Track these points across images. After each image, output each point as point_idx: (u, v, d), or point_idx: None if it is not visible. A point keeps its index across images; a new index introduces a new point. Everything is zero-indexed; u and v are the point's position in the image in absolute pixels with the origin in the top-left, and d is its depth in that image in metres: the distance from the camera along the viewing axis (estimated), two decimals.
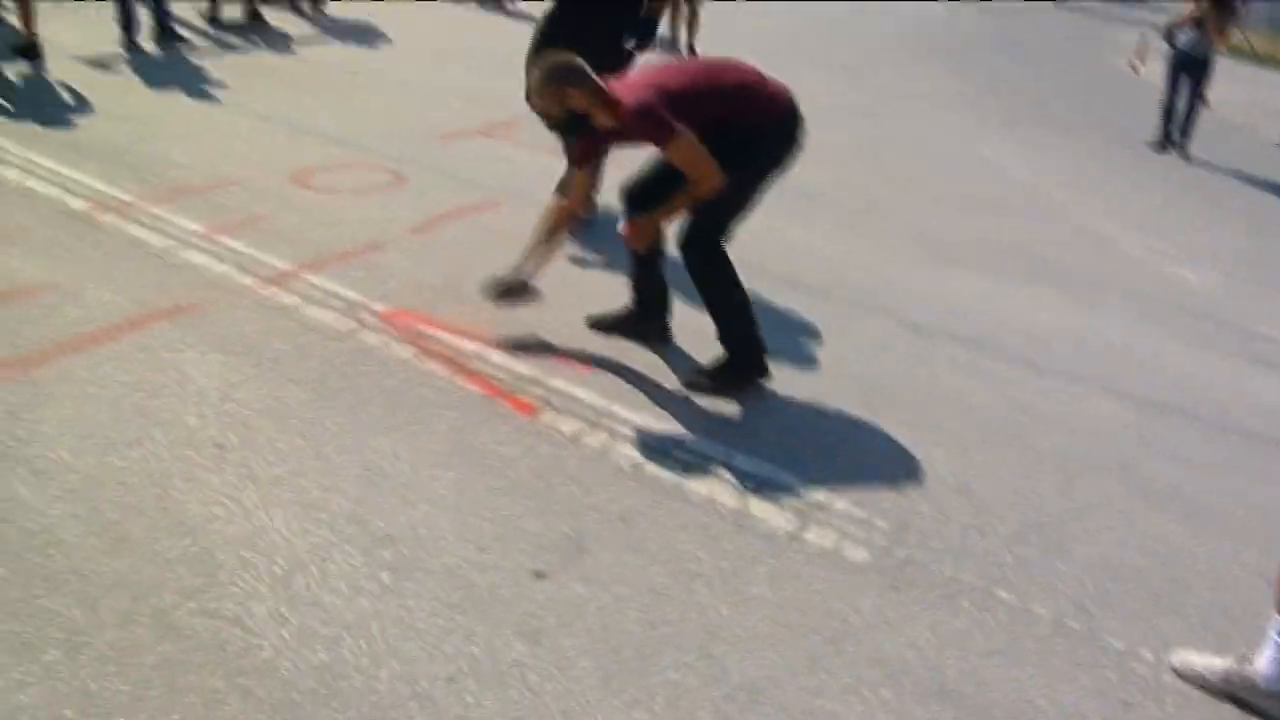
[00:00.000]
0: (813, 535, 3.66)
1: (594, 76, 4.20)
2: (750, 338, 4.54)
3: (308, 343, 4.36)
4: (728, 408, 4.41)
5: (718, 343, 4.53)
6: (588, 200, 4.47)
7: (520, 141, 7.47)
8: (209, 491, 3.37)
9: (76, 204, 5.36)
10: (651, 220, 4.41)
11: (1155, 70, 13.91)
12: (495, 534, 3.39)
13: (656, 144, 4.16)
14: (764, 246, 5.90)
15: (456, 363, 4.39)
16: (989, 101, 13.06)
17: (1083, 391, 5.11)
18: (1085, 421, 4.82)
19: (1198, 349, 6.00)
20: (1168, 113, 11.69)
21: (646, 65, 4.69)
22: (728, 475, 3.92)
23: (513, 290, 4.68)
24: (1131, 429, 4.84)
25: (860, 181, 8.09)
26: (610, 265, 5.21)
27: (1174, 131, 11.69)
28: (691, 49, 12.41)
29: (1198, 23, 11.32)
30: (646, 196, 4.47)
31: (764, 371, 4.59)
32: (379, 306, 4.76)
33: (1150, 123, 11.97)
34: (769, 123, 4.34)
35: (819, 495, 3.89)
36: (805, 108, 4.39)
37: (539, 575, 3.24)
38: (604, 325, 4.85)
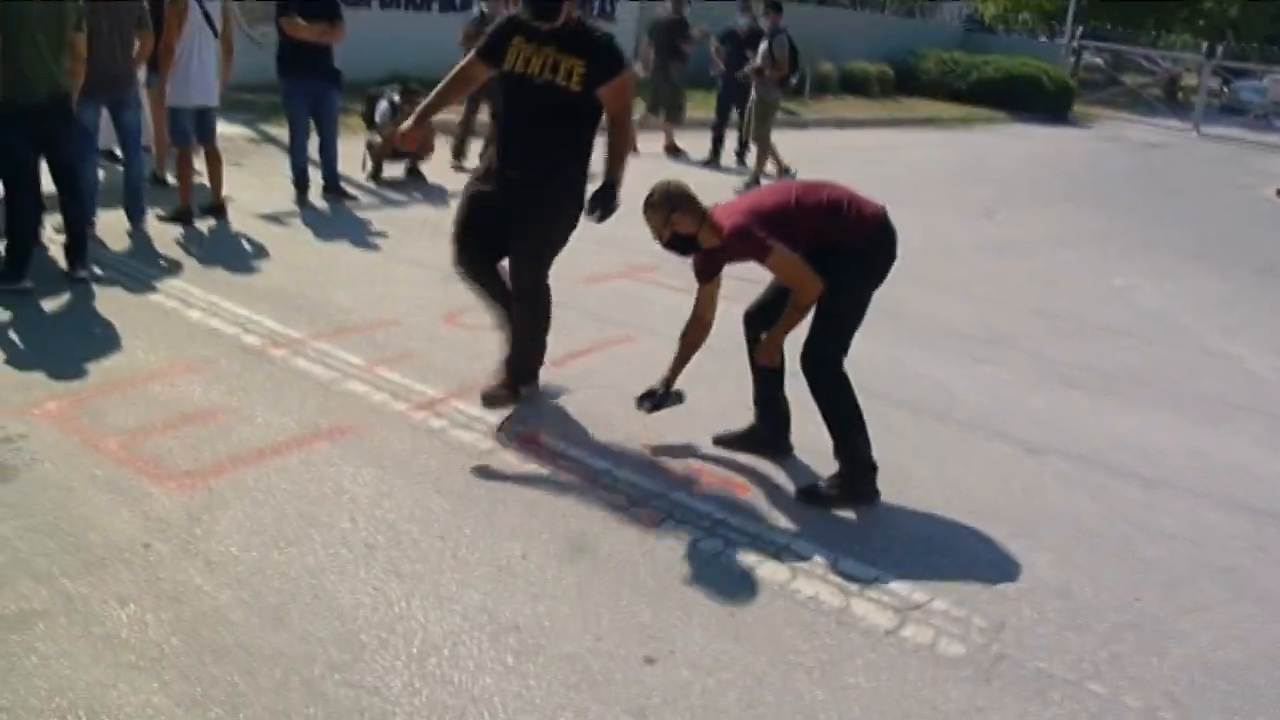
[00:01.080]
0: (910, 631, 3.90)
1: (699, 201, 4.70)
2: (863, 457, 4.82)
3: (453, 459, 4.80)
4: (838, 517, 4.68)
5: (834, 458, 4.84)
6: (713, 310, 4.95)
7: (659, 283, 7.93)
8: (358, 583, 3.79)
9: (252, 340, 5.96)
10: (773, 338, 4.83)
11: None
12: (612, 625, 3.72)
13: (756, 260, 4.61)
14: (888, 375, 6.20)
15: (588, 478, 4.77)
16: (1123, 234, 13.10)
17: (1195, 505, 5.22)
18: (1196, 532, 4.94)
19: None
20: None
21: (750, 190, 5.14)
22: (833, 577, 4.19)
23: (665, 400, 5.14)
24: (1245, 538, 4.94)
25: (987, 315, 8.31)
26: (727, 388, 5.54)
27: None
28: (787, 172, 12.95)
29: None
30: (765, 317, 4.89)
31: (874, 491, 4.85)
32: (519, 429, 5.18)
33: None
34: (861, 239, 4.70)
35: (919, 596, 4.12)
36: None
37: (649, 661, 3.55)
38: (729, 441, 5.20)
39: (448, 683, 3.33)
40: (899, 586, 4.18)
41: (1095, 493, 5.25)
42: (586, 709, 3.28)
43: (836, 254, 4.63)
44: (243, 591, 3.68)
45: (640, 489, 4.75)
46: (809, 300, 4.63)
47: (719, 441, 5.20)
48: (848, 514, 4.71)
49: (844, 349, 4.76)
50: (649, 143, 14.92)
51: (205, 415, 4.97)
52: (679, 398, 5.17)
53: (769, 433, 5.17)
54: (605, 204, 5.17)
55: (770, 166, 13.33)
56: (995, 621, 4.01)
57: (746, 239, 4.58)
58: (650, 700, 3.36)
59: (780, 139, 13.60)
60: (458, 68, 5.44)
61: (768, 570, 4.19)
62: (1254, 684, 3.82)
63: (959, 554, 4.51)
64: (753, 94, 13.22)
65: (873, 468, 4.83)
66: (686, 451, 5.16)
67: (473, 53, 5.35)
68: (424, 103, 5.61)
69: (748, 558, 4.27)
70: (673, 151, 14.76)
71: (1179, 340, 8.37)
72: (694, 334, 5.02)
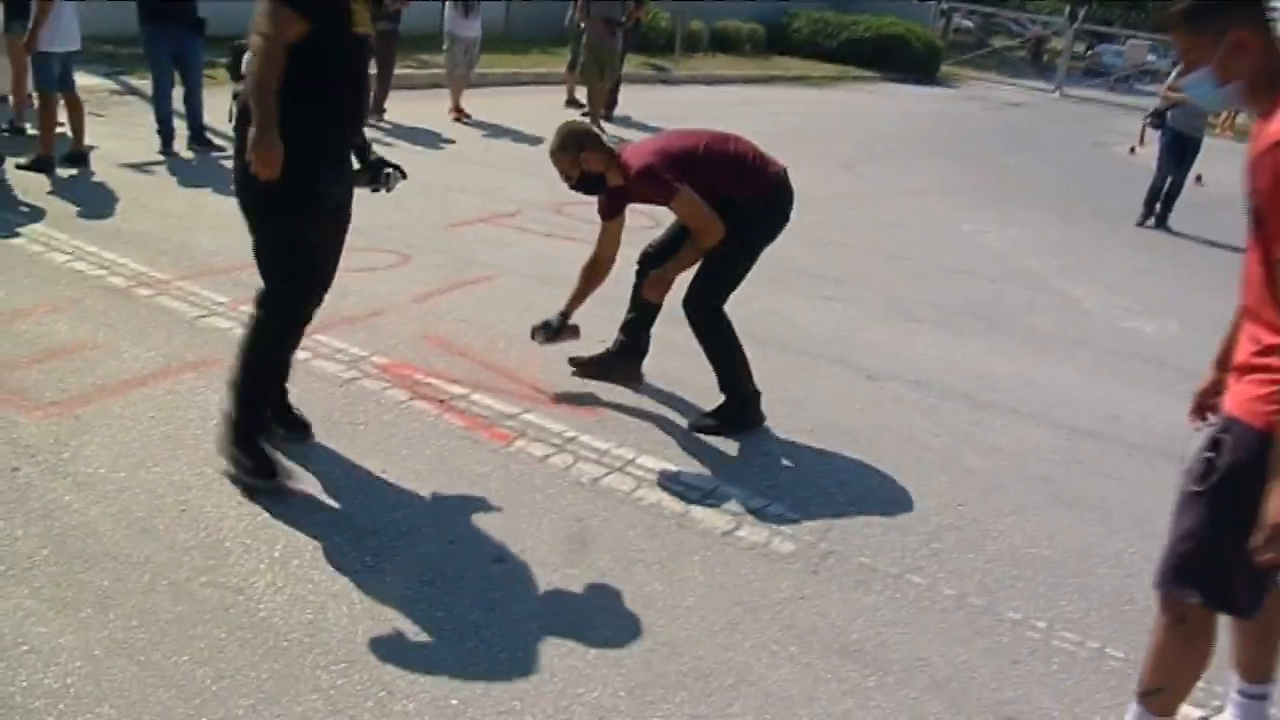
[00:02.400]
0: (745, 532, 4.21)
1: (605, 140, 4.89)
2: (747, 386, 5.11)
3: (314, 387, 4.97)
4: (682, 436, 4.98)
5: (720, 391, 5.12)
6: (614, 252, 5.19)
7: (519, 228, 8.17)
8: (223, 497, 3.98)
9: (117, 281, 6.04)
10: (665, 274, 5.00)
11: (1150, 153, 14.43)
12: (464, 530, 3.97)
13: (661, 201, 4.81)
14: (734, 310, 6.47)
15: (444, 403, 4.99)
16: (979, 187, 13.61)
17: (1019, 423, 5.63)
18: (1018, 446, 5.34)
19: (1143, 388, 6.49)
20: (1155, 188, 12.16)
21: (659, 133, 5.31)
22: (676, 486, 4.49)
23: (560, 332, 5.33)
24: (1062, 453, 5.35)
25: (840, 257, 8.68)
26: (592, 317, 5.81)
27: (1158, 205, 12.20)
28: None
29: (1182, 103, 11.80)
30: (662, 255, 5.11)
31: (760, 416, 5.15)
32: (379, 359, 5.37)
33: (1135, 200, 12.45)
34: (763, 195, 4.94)
35: (756, 502, 4.43)
36: (798, 196, 5.03)
37: (498, 560, 3.81)
38: (585, 366, 5.44)
39: (308, 581, 3.55)
40: (737, 494, 4.49)
41: (928, 413, 5.63)
42: (439, 601, 3.53)
43: (736, 204, 4.83)
44: (111, 507, 3.84)
45: (494, 410, 4.99)
46: (709, 243, 4.81)
47: (576, 364, 5.44)
48: (692, 435, 5.00)
49: (727, 295, 5.02)
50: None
51: (71, 350, 5.07)
52: (575, 331, 5.37)
53: (625, 362, 5.43)
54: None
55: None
56: (826, 524, 4.34)
57: (653, 179, 4.73)
58: (499, 593, 3.61)
59: (649, 94, 13.86)
60: (273, 39, 3.68)
61: (613, 481, 4.47)
62: (1059, 575, 4.21)
63: (796, 466, 4.83)
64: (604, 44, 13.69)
65: (757, 394, 5.13)
66: (543, 378, 5.41)
67: (287, 9, 3.69)
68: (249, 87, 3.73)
69: (594, 470, 4.55)
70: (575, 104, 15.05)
71: (1020, 280, 8.83)
72: (594, 271, 5.24)
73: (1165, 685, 3.05)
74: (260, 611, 3.37)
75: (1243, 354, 2.78)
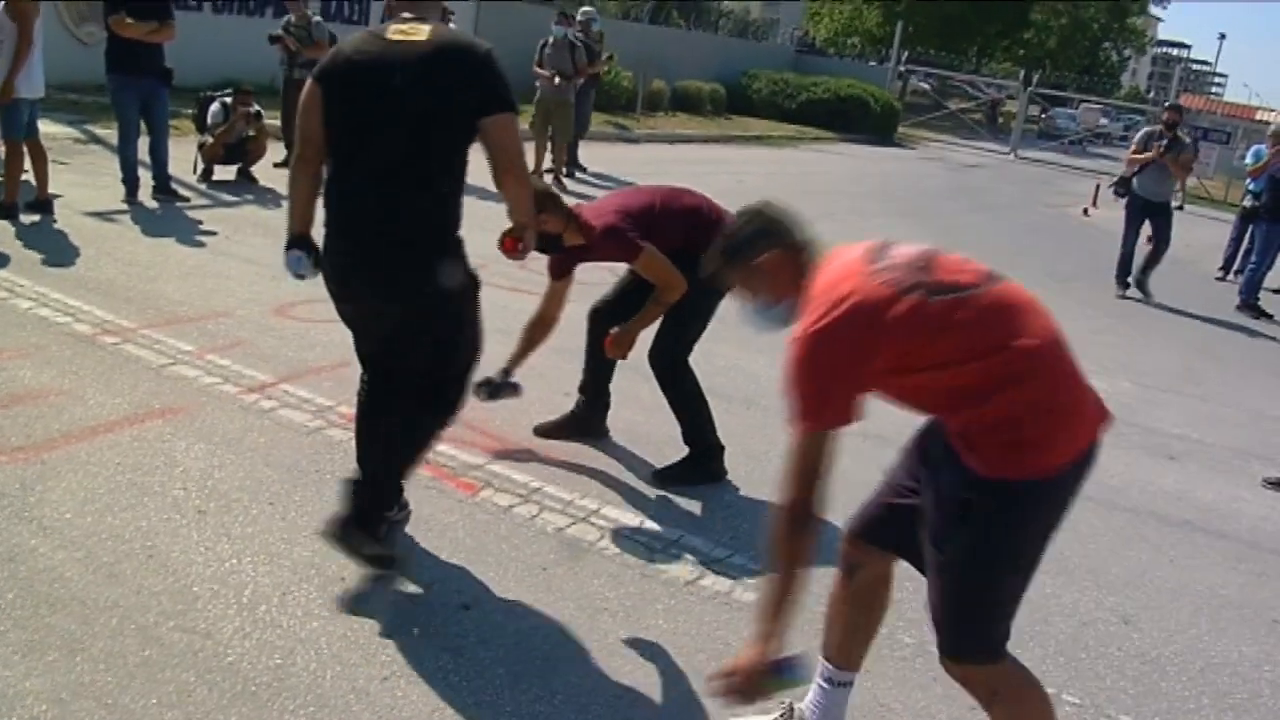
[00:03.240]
0: (708, 582, 4.27)
1: (563, 201, 4.91)
2: (710, 439, 5.20)
3: (282, 437, 5.01)
4: (645, 487, 5.05)
5: (684, 444, 5.22)
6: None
7: (482, 282, 8.23)
8: (190, 544, 4.00)
9: (82, 328, 6.06)
10: (629, 331, 5.02)
11: (1104, 214, 14.70)
12: (432, 577, 4.01)
13: (625, 259, 4.86)
14: (698, 366, 6.56)
15: None
16: (935, 244, 13.81)
17: None
18: None
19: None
20: (1124, 257, 12.17)
21: (613, 192, 5.38)
22: (639, 537, 4.55)
23: (501, 389, 5.31)
24: None
25: None
26: (553, 378, 5.89)
27: (1134, 271, 12.18)
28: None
29: (1148, 165, 11.75)
30: (614, 314, 5.16)
31: (722, 470, 5.24)
32: (345, 409, 5.39)
33: (1088, 260, 12.66)
34: None
35: (719, 552, 4.50)
36: None
37: (466, 607, 3.85)
38: (550, 431, 5.46)
39: (277, 627, 3.58)
40: (700, 544, 4.56)
41: (885, 465, 5.69)
42: (407, 646, 3.56)
43: (693, 257, 4.84)
44: (77, 552, 3.85)
45: (459, 461, 5.05)
46: (674, 298, 4.85)
47: (541, 432, 5.45)
48: (656, 487, 5.07)
49: (692, 347, 5.12)
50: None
51: (36, 396, 5.08)
52: (516, 389, 5.36)
53: (588, 420, 5.48)
54: None
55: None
56: None
57: (619, 239, 4.77)
58: (467, 640, 3.65)
59: (610, 152, 14.04)
60: None
61: (578, 530, 4.53)
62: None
63: (758, 518, 4.88)
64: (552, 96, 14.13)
65: (720, 447, 5.22)
66: (508, 430, 5.47)
67: None
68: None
69: (559, 520, 4.61)
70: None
71: None
72: (538, 330, 5.28)
73: None
74: (229, 656, 3.39)
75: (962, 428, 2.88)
